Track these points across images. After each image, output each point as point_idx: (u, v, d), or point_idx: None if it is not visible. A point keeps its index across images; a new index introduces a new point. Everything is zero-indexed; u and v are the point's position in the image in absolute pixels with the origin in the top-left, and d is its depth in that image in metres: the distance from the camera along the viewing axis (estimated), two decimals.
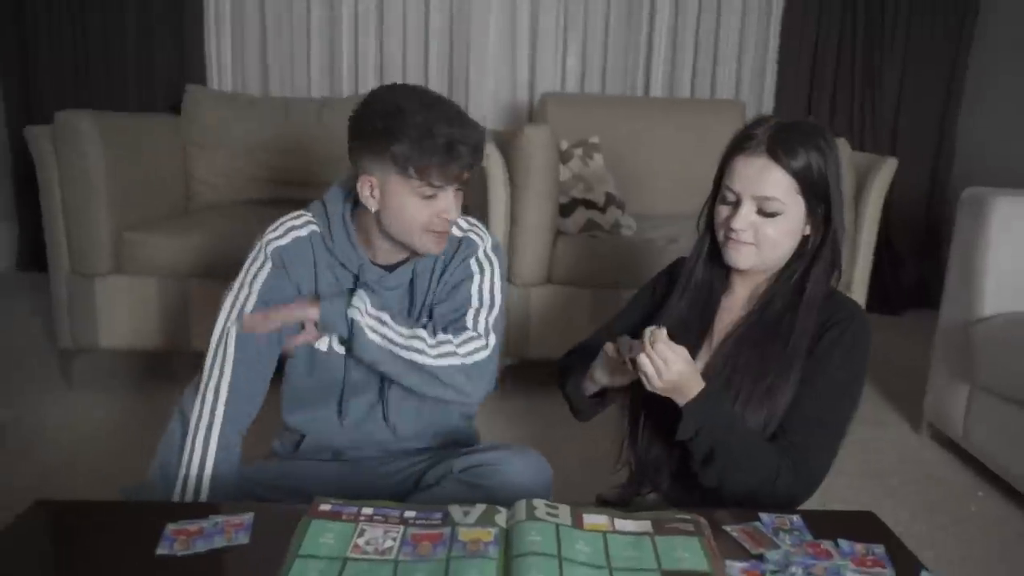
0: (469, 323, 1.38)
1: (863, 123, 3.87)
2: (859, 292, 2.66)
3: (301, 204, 1.44)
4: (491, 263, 1.44)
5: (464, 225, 1.45)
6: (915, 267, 3.94)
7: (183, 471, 1.29)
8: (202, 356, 1.36)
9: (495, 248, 1.46)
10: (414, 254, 1.39)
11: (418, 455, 1.45)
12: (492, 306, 1.41)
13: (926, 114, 3.90)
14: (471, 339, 1.36)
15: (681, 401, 1.14)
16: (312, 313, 1.32)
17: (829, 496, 1.56)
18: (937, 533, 1.93)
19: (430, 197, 1.28)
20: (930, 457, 2.39)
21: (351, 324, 1.30)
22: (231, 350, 1.33)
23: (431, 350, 1.33)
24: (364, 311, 1.31)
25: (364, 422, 1.45)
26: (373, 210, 1.32)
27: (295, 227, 1.39)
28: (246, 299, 1.35)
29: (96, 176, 2.40)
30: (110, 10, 3.53)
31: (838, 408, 1.20)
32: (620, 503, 1.35)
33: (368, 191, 1.30)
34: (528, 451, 1.33)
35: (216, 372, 1.33)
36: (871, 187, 2.62)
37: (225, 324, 1.34)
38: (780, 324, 1.22)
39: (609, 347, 1.20)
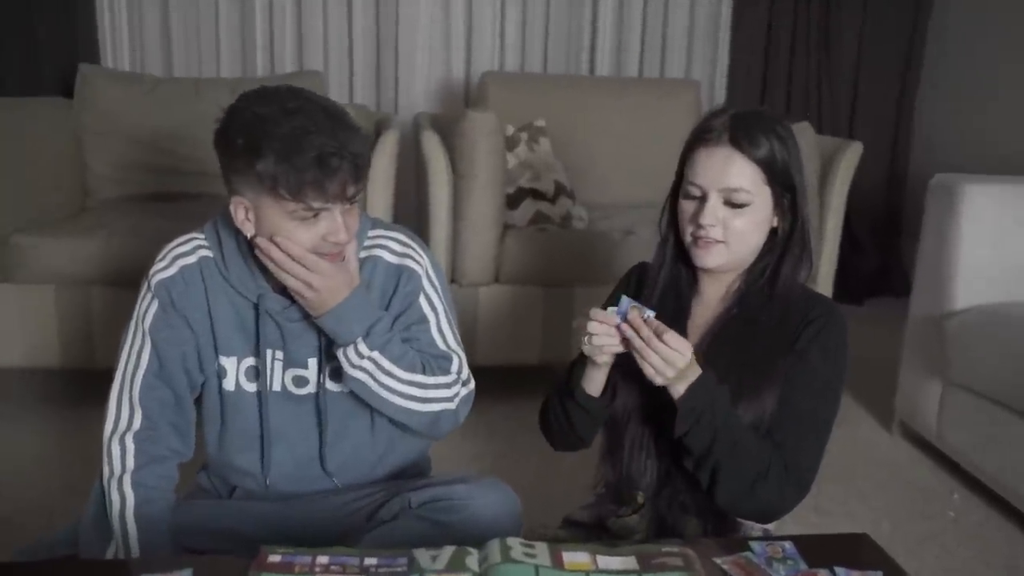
0: (453, 370, 1.27)
1: (819, 106, 3.78)
2: (825, 282, 2.60)
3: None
4: (439, 297, 1.28)
5: (397, 248, 1.26)
6: (875, 254, 3.90)
7: (114, 528, 1.18)
8: (108, 374, 1.26)
9: (436, 270, 1.30)
10: None
11: (368, 487, 1.30)
12: (458, 343, 1.30)
13: (883, 96, 3.83)
14: (452, 383, 1.26)
15: (681, 388, 1.10)
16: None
17: None
18: (915, 544, 1.87)
19: (311, 219, 1.10)
20: (901, 458, 2.33)
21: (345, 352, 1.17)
22: (136, 399, 1.21)
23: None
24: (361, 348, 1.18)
25: (297, 474, 1.29)
26: (250, 235, 1.14)
27: (182, 254, 1.25)
28: (141, 345, 1.23)
29: None
30: None
31: (822, 405, 1.19)
32: (593, 524, 1.29)
33: (243, 215, 1.13)
34: (494, 483, 1.23)
35: (123, 422, 1.21)
36: (836, 172, 2.54)
37: (124, 370, 1.23)
38: (757, 321, 1.20)
39: (597, 313, 1.11)
